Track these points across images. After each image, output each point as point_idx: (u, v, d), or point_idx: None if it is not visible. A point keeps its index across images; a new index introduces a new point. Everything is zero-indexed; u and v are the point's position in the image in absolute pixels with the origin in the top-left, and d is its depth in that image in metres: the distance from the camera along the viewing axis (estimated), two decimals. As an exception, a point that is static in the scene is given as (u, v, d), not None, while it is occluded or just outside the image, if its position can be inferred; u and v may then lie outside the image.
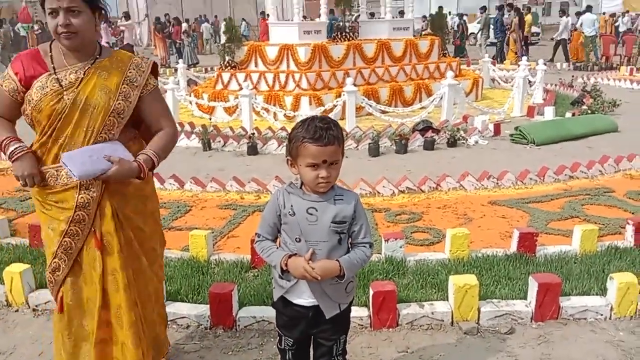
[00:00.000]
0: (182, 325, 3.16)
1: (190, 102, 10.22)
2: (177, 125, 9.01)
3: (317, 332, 2.20)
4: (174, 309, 3.17)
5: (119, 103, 2.26)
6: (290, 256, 2.05)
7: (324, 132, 1.97)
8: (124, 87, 2.28)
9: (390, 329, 3.07)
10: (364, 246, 2.12)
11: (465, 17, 21.57)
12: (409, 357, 2.83)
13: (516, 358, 2.79)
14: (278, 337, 2.29)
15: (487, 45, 20.29)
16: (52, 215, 2.30)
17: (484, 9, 21.85)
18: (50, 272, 2.35)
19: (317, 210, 2.05)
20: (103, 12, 2.27)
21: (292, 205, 2.07)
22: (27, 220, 4.73)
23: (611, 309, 3.14)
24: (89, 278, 2.33)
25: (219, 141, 7.89)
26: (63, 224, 2.27)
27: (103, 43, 2.67)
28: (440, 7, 15.69)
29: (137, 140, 2.44)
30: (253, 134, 7.83)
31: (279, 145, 7.55)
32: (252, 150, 7.51)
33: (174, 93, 9.41)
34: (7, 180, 6.35)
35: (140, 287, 2.44)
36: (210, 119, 9.12)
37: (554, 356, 2.81)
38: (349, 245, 2.14)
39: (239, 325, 3.11)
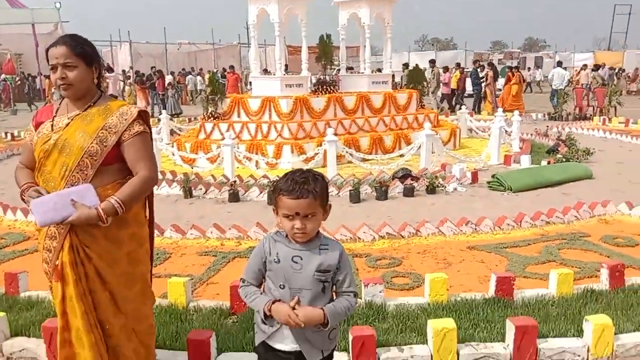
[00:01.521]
0: (159, 373, 3.10)
1: (173, 154, 10.28)
2: (159, 174, 9.07)
3: None
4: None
5: (93, 146, 2.45)
6: (274, 302, 2.07)
7: (298, 186, 2.05)
8: (102, 132, 2.47)
9: (371, 374, 3.05)
10: (349, 295, 2.16)
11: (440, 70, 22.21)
12: (388, 402, 2.81)
13: (496, 401, 2.79)
14: (261, 383, 2.27)
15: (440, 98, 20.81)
16: (38, 241, 2.61)
17: (458, 65, 22.64)
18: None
19: (302, 259, 2.10)
20: (98, 65, 2.55)
21: (277, 253, 2.11)
22: (3, 268, 4.66)
23: (588, 350, 3.17)
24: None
25: (201, 189, 7.92)
26: (42, 249, 2.56)
27: (110, 93, 2.85)
28: (416, 65, 16.37)
29: (119, 186, 2.50)
30: (235, 181, 7.89)
31: (261, 192, 7.60)
32: (234, 197, 7.55)
33: (157, 143, 9.47)
34: (-16, 229, 6.27)
35: (118, 342, 2.55)
36: (192, 168, 9.17)
37: (533, 398, 2.81)
38: (333, 294, 2.18)
39: (217, 373, 3.07)
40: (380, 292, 3.76)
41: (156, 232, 5.78)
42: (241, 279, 2.20)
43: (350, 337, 3.06)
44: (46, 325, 3.22)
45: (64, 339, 2.48)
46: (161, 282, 4.24)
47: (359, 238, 5.52)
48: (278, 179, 2.14)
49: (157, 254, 5.22)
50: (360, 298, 3.83)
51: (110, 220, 2.40)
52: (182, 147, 10.69)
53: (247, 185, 7.97)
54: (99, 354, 2.44)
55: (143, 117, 2.59)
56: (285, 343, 2.13)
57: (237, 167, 9.28)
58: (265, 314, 2.08)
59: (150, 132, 2.65)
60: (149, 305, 2.77)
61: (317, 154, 9.12)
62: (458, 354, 3.10)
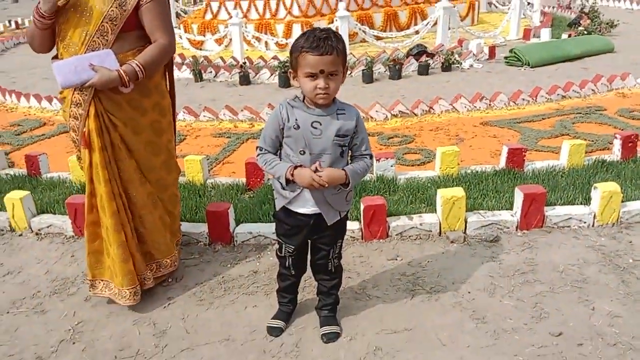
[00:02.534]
0: (182, 242, 3.27)
1: (180, 36, 10.01)
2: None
3: (317, 238, 2.31)
4: (173, 228, 3.28)
5: (112, 10, 2.40)
6: (295, 167, 2.11)
7: (322, 41, 1.98)
8: None
9: (381, 240, 3.20)
10: (365, 157, 2.21)
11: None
12: (397, 264, 2.97)
13: (501, 262, 2.93)
14: (278, 246, 2.40)
15: None
16: (64, 109, 2.61)
17: None
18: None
19: (321, 124, 2.10)
20: None
21: (296, 119, 2.10)
22: (22, 153, 4.78)
23: (594, 216, 3.26)
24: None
25: (211, 72, 7.81)
26: (68, 117, 2.57)
27: None
28: None
29: (138, 53, 2.50)
30: (244, 63, 7.74)
31: (271, 75, 7.48)
32: (244, 80, 7.46)
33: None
34: (2, 115, 6.35)
35: (144, 211, 2.67)
36: (199, 51, 8.98)
37: (537, 260, 2.94)
38: (349, 158, 2.22)
39: (236, 241, 3.23)
40: (391, 166, 3.82)
41: (169, 114, 5.82)
42: (258, 147, 2.22)
43: (362, 207, 3.17)
44: (70, 202, 3.36)
45: (90, 204, 2.58)
46: (179, 163, 4.34)
47: (372, 117, 5.50)
48: (296, 39, 2.07)
49: (172, 136, 5.30)
50: (372, 173, 3.90)
51: (131, 85, 2.44)
52: (189, 29, 10.39)
53: (257, 68, 7.83)
54: (120, 222, 2.57)
55: None
56: (306, 206, 2.21)
57: (246, 50, 9.07)
58: (287, 180, 2.13)
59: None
60: (174, 175, 2.86)
61: (329, 32, 8.81)
62: (466, 222, 3.20)
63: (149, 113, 2.60)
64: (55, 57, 2.54)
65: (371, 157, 2.22)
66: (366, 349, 2.32)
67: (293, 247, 2.33)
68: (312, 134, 2.09)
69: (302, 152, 2.12)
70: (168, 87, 2.79)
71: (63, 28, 2.44)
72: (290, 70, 2.12)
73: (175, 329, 2.53)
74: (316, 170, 2.08)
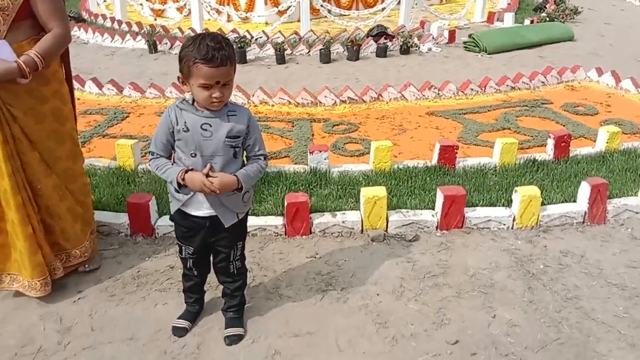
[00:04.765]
0: (102, 232, 3.25)
1: (141, 4, 9.69)
2: (125, 25, 8.65)
3: (215, 241, 2.32)
4: (95, 217, 3.24)
5: (2, 0, 2.32)
6: (187, 171, 2.10)
7: (216, 52, 1.96)
8: None
9: (304, 237, 3.22)
10: (259, 158, 2.22)
11: None
12: (315, 262, 3.00)
13: (414, 264, 2.99)
14: (178, 248, 2.41)
15: None
16: None
17: None
18: None
19: (211, 126, 2.09)
20: None
21: (185, 122, 2.09)
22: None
23: (513, 219, 3.33)
24: None
25: (166, 43, 7.63)
26: None
27: None
28: None
29: (34, 43, 2.44)
30: (201, 36, 7.57)
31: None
32: (200, 54, 7.29)
33: (119, -9, 8.91)
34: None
35: (51, 202, 2.61)
36: (155, 19, 8.73)
37: (450, 263, 3.01)
38: (244, 159, 2.22)
39: (157, 233, 3.22)
40: (325, 159, 3.82)
41: (115, 89, 5.70)
42: (150, 151, 2.21)
43: (286, 203, 3.18)
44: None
45: None
46: (113, 145, 4.27)
47: (320, 102, 5.47)
48: (185, 45, 2.04)
49: (115, 113, 5.20)
50: (307, 165, 3.90)
51: (30, 76, 2.38)
52: (150, -6, 10.07)
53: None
54: (26, 215, 2.53)
55: None
56: (201, 209, 2.22)
57: (208, 19, 8.85)
58: (179, 184, 2.12)
59: None
60: (80, 164, 2.81)
61: (291, 6, 8.65)
62: (387, 220, 3.25)
63: (49, 100, 2.55)
64: None
65: (265, 157, 2.23)
66: (265, 353, 2.36)
67: (192, 249, 2.34)
68: (202, 136, 2.08)
69: (193, 155, 2.11)
70: (65, 75, 2.74)
71: None
72: (179, 75, 2.08)
73: (80, 326, 2.53)
74: (208, 174, 2.07)
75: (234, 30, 8.00)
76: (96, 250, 2.94)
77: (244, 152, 2.23)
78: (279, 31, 8.11)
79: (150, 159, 2.21)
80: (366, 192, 3.19)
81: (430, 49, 7.68)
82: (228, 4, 9.22)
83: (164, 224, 3.20)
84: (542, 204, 3.38)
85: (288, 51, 7.38)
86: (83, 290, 2.77)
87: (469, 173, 3.85)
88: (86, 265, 2.87)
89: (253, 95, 5.51)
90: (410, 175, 3.77)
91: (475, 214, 3.31)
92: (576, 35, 8.70)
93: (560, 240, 3.23)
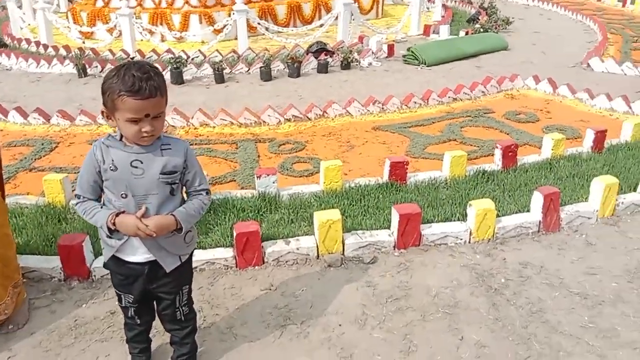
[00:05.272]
0: (33, 279, 2.93)
1: (69, 27, 9.22)
2: (51, 48, 8.18)
3: (157, 287, 2.09)
4: (22, 262, 2.91)
5: None
6: (117, 214, 1.87)
7: (144, 82, 1.75)
8: None
9: (256, 267, 3.03)
10: (200, 194, 2.02)
11: None
12: (271, 294, 2.81)
13: (375, 288, 2.85)
14: (117, 296, 2.16)
15: None
16: None
17: None
18: None
19: (142, 163, 1.87)
20: None
21: (113, 160, 1.87)
22: None
23: (470, 233, 3.26)
24: None
25: (96, 66, 7.25)
26: None
27: None
28: None
29: None
30: (134, 57, 7.26)
31: (163, 70, 7.06)
32: (135, 76, 6.98)
33: (45, 13, 8.44)
34: None
35: None
36: (83, 42, 8.33)
37: (411, 284, 2.89)
38: (184, 195, 2.01)
39: (94, 276, 2.93)
40: (273, 182, 3.64)
41: (42, 119, 5.32)
42: (76, 195, 1.96)
43: (235, 234, 2.98)
44: None
45: None
46: (40, 180, 3.93)
47: (264, 122, 5.30)
48: (108, 76, 1.81)
49: (42, 144, 4.83)
50: (254, 189, 3.72)
51: None
52: (78, 18, 9.62)
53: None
54: None
55: None
56: (137, 254, 1.99)
57: (141, 40, 8.52)
58: (110, 229, 1.89)
59: None
60: (4, 216, 2.52)
61: (227, 25, 8.46)
62: (343, 243, 3.10)
63: None
64: None
65: (207, 192, 2.02)
66: (222, 404, 2.15)
67: (132, 297, 2.10)
68: (132, 174, 1.86)
69: (123, 196, 1.88)
70: None
71: None
72: (103, 109, 1.85)
73: (9, 391, 2.23)
74: (144, 216, 1.86)
75: (168, 50, 7.73)
76: (21, 303, 2.62)
77: (184, 187, 2.02)
78: (217, 50, 7.90)
79: (77, 203, 1.96)
80: (320, 217, 3.04)
81: (370, 64, 7.69)
82: (161, 24, 8.93)
83: (100, 266, 2.92)
84: (497, 215, 3.34)
85: (227, 70, 7.19)
86: (12, 348, 2.46)
87: (421, 188, 3.77)
88: (10, 326, 2.55)
89: (192, 117, 5.28)
90: (362, 194, 3.65)
91: (432, 231, 3.22)
92: (509, 45, 8.97)
93: (518, 252, 3.19)
